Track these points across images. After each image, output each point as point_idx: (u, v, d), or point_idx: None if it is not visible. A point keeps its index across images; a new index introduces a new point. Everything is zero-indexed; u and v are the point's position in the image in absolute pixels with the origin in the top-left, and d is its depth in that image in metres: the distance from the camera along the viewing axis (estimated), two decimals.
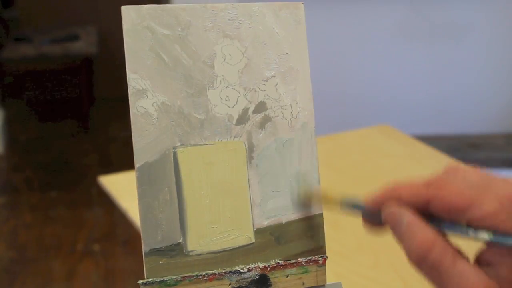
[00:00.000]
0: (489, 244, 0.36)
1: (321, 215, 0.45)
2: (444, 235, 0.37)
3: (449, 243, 0.36)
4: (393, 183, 0.39)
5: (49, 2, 3.74)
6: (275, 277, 0.44)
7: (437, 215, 0.37)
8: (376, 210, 0.40)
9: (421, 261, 0.36)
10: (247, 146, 0.44)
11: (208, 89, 0.43)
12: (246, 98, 0.44)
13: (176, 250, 0.42)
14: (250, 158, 0.44)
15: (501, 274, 0.34)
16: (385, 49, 2.56)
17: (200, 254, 0.43)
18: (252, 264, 0.44)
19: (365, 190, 1.17)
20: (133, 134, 0.41)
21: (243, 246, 0.44)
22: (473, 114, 2.67)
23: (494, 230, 0.34)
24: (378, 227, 0.40)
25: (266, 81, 0.44)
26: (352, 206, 0.42)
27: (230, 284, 0.43)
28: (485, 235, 0.34)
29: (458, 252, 0.36)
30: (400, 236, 0.37)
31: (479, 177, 0.37)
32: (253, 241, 0.44)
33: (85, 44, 3.40)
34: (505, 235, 0.34)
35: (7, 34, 3.54)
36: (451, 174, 0.38)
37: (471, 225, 0.35)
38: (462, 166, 0.39)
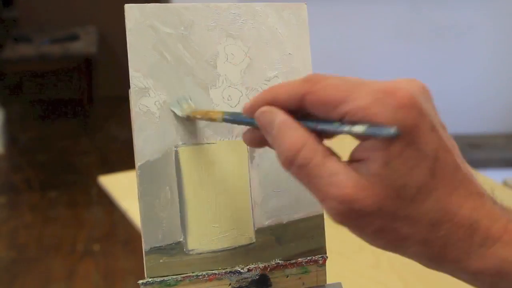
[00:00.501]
0: (362, 138, 0.33)
1: (321, 215, 0.45)
2: (319, 136, 0.35)
3: (321, 143, 0.34)
4: (271, 87, 0.36)
5: (49, 2, 3.74)
6: (275, 277, 0.44)
7: (312, 113, 0.35)
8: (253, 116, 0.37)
9: (291, 163, 0.34)
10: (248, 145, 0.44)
11: (211, 89, 0.43)
12: (248, 98, 0.44)
13: (176, 248, 0.42)
14: (251, 157, 0.44)
15: (372, 169, 0.32)
16: (385, 49, 2.56)
17: (200, 253, 0.43)
18: (252, 264, 0.44)
19: None
20: (134, 132, 0.42)
21: (243, 245, 0.44)
22: (473, 114, 2.67)
23: (368, 123, 0.31)
24: (259, 140, 0.38)
25: (269, 81, 0.44)
26: (233, 119, 0.40)
27: (230, 284, 0.43)
28: (359, 128, 0.31)
29: (330, 152, 0.34)
30: (272, 139, 0.35)
31: (356, 78, 0.34)
32: (254, 241, 0.44)
33: (85, 44, 3.40)
34: (379, 127, 0.31)
35: (7, 34, 3.54)
36: (329, 73, 0.35)
37: (344, 120, 0.33)
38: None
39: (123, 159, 2.89)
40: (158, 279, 0.42)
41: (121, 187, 1.13)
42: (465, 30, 2.51)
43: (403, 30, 2.51)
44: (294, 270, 0.45)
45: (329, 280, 0.46)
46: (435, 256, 0.34)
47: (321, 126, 0.34)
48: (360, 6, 2.43)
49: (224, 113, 0.40)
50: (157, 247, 0.42)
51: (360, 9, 2.44)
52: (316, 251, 0.45)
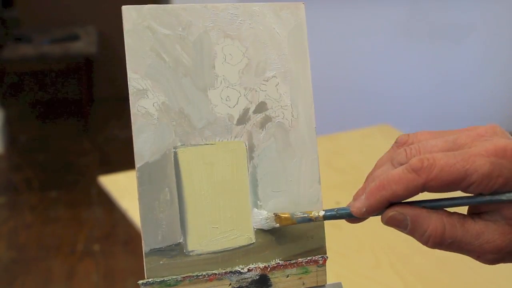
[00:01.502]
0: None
1: None
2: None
3: (454, 215, 0.38)
4: (380, 182, 0.39)
5: (49, 2, 3.74)
6: (275, 277, 0.44)
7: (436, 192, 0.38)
8: (371, 215, 0.40)
9: (441, 245, 0.38)
10: (247, 146, 0.44)
11: (209, 89, 0.43)
12: (246, 98, 0.44)
13: (176, 250, 0.42)
14: (250, 158, 0.44)
15: (508, 214, 0.37)
16: (385, 49, 2.56)
17: (200, 254, 0.43)
18: (252, 264, 0.44)
19: None
20: (133, 134, 0.41)
21: (243, 246, 0.44)
22: (473, 113, 2.67)
23: (492, 192, 0.37)
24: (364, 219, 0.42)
25: (267, 81, 0.44)
26: (335, 214, 0.42)
27: (230, 284, 0.43)
28: (497, 197, 0.37)
29: (463, 216, 0.39)
30: (410, 233, 0.39)
31: (442, 137, 0.39)
32: (254, 241, 0.44)
33: (85, 44, 3.39)
34: (500, 193, 0.36)
35: (7, 34, 3.54)
36: (418, 146, 0.39)
37: (469, 190, 0.37)
38: (409, 135, 0.41)
39: (123, 159, 2.88)
40: (158, 279, 0.42)
41: (121, 187, 1.13)
42: (465, 30, 2.51)
43: (404, 30, 2.51)
44: (294, 270, 0.45)
45: (329, 280, 0.46)
46: None
47: (449, 204, 0.39)
48: (360, 6, 2.42)
49: (325, 210, 0.42)
50: (157, 248, 0.42)
51: (359, 9, 2.43)
52: (316, 251, 0.45)
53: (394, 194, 0.38)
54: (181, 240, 0.42)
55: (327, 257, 0.45)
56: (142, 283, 0.42)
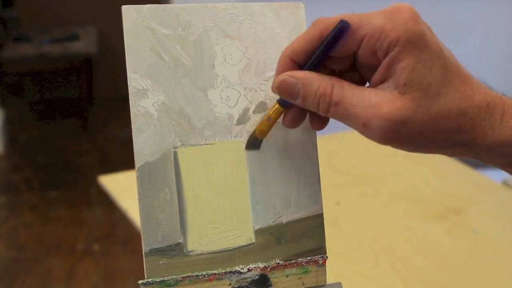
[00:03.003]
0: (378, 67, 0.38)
1: (321, 215, 0.45)
2: (335, 74, 0.40)
3: (343, 80, 0.39)
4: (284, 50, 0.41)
5: (49, 2, 3.74)
6: (275, 277, 0.44)
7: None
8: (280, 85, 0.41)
9: (328, 106, 0.38)
10: None
11: (209, 89, 0.43)
12: (246, 98, 0.44)
13: (176, 250, 0.42)
14: (250, 158, 0.44)
15: (400, 80, 0.37)
16: None
17: (200, 254, 0.43)
18: (252, 264, 0.44)
19: (365, 190, 1.17)
20: (133, 134, 0.42)
21: (243, 246, 0.44)
22: None
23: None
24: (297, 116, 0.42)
25: (267, 81, 0.44)
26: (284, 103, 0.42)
27: (230, 284, 0.43)
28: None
29: (353, 83, 0.39)
30: (302, 99, 0.39)
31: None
32: (253, 241, 0.44)
33: (85, 44, 3.39)
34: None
35: (7, 34, 3.54)
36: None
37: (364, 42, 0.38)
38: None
39: (123, 159, 2.89)
40: (158, 279, 0.42)
41: (121, 187, 1.13)
42: (465, 30, 2.51)
43: None
44: (294, 270, 0.45)
45: (329, 280, 0.46)
46: (468, 140, 0.38)
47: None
48: (360, 6, 2.42)
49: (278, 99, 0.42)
50: (156, 248, 0.42)
51: (359, 9, 2.43)
52: (316, 251, 0.45)
53: (293, 49, 0.40)
54: (181, 240, 0.42)
55: (327, 257, 0.45)
56: (142, 283, 0.42)
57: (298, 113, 0.42)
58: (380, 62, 0.38)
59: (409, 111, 0.36)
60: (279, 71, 0.41)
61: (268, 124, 0.43)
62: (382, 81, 0.38)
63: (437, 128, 0.37)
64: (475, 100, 0.38)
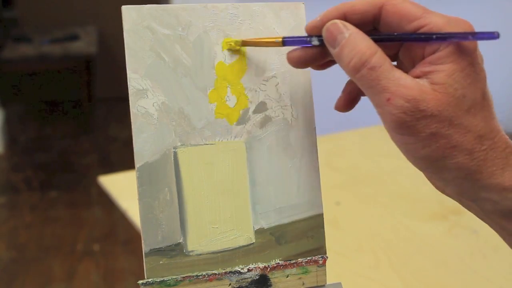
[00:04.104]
0: (428, 51, 0.37)
1: (321, 215, 0.45)
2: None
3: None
4: (342, 3, 0.40)
5: (49, 2, 3.74)
6: (275, 277, 0.44)
7: (385, 24, 0.39)
8: (316, 33, 0.40)
9: (363, 65, 0.37)
10: (247, 146, 0.44)
11: (209, 89, 0.43)
12: (246, 98, 0.44)
13: (176, 250, 0.42)
14: (250, 158, 0.44)
15: (437, 78, 0.36)
16: None
17: (200, 254, 0.43)
18: (252, 264, 0.44)
19: (365, 190, 1.17)
20: (133, 134, 0.41)
21: (243, 246, 0.44)
22: None
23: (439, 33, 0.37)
24: (307, 58, 0.41)
25: (267, 81, 0.44)
26: (292, 40, 0.41)
27: (230, 284, 0.43)
28: (432, 35, 0.37)
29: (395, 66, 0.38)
30: (341, 48, 0.38)
31: None
32: (253, 241, 0.44)
33: (85, 44, 3.40)
34: (480, 33, 0.36)
35: (7, 34, 3.54)
36: None
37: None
38: None
39: (123, 159, 2.89)
40: (158, 279, 0.42)
41: (121, 187, 1.13)
42: None
43: None
44: (294, 270, 0.45)
45: (329, 280, 0.46)
46: (474, 170, 0.37)
47: (396, 38, 0.38)
48: None
49: (283, 37, 0.42)
50: (156, 248, 0.42)
51: None
52: (316, 251, 0.45)
53: (352, 7, 0.39)
54: (181, 240, 0.42)
55: (327, 257, 0.45)
56: (142, 283, 0.42)
57: (353, 95, 0.43)
58: (423, 57, 0.38)
59: (435, 108, 0.36)
60: (327, 18, 0.40)
61: (258, 43, 0.43)
62: (419, 76, 0.37)
63: (451, 140, 0.37)
64: (495, 138, 0.37)
